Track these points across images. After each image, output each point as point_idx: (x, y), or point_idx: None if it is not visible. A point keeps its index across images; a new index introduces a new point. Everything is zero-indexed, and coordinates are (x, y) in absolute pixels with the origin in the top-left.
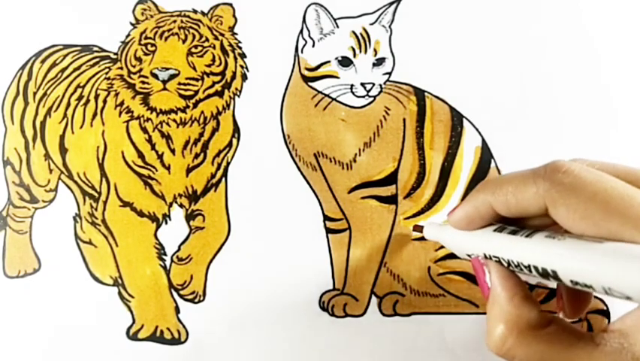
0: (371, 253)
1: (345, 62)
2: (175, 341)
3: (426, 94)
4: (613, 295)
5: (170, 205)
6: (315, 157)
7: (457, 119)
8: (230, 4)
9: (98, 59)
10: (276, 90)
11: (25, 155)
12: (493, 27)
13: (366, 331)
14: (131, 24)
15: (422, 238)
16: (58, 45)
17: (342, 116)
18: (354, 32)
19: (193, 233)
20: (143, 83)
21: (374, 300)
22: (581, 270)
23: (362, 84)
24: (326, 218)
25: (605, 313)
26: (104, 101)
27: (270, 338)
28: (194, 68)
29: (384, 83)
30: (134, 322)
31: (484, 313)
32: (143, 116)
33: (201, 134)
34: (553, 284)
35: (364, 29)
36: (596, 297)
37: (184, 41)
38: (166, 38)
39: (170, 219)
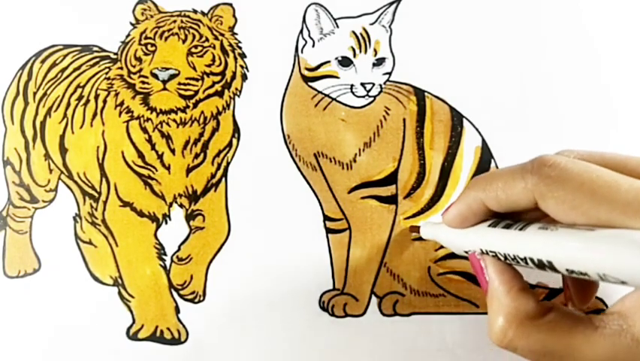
0: (371, 253)
1: (345, 62)
2: (175, 341)
3: (426, 94)
4: (608, 280)
5: (170, 205)
6: (315, 157)
7: (457, 119)
8: (230, 4)
9: (98, 59)
10: (276, 90)
11: (25, 155)
12: (493, 27)
13: (366, 331)
14: (131, 24)
15: (422, 238)
16: (58, 45)
17: (342, 116)
18: (354, 32)
19: (193, 233)
20: (143, 83)
21: (374, 300)
22: (575, 258)
23: (362, 84)
24: (326, 218)
25: None
26: (104, 101)
27: (270, 338)
28: (194, 68)
29: (384, 83)
30: (134, 322)
31: (485, 313)
32: (143, 116)
33: (201, 134)
34: (553, 284)
35: (364, 29)
36: (596, 297)
37: (184, 41)
38: (166, 38)
39: (170, 219)
